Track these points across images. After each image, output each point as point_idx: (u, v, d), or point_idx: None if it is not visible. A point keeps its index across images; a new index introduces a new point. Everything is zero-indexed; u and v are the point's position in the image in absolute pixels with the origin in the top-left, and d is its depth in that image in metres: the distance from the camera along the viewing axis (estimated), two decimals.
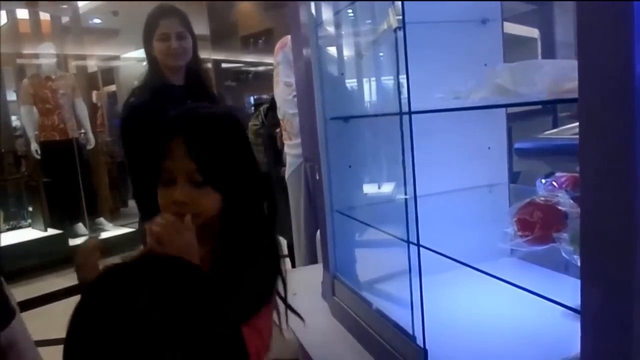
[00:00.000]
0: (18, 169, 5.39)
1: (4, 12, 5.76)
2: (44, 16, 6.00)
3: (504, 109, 1.60)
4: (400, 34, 1.02)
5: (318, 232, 2.26)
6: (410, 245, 1.11)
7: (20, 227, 4.77)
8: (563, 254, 1.04)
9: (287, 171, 2.60)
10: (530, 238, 1.13)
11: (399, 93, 1.03)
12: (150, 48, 1.95)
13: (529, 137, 3.45)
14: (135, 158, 2.19)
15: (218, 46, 7.70)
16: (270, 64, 2.85)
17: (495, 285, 1.55)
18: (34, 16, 5.95)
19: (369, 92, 1.34)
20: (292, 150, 2.55)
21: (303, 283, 1.90)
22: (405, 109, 1.03)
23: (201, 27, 7.21)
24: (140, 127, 2.18)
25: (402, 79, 1.01)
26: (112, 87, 7.60)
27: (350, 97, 1.43)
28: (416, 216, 1.06)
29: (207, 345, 0.63)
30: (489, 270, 1.41)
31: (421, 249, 1.18)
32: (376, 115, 1.26)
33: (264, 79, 7.48)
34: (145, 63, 2.26)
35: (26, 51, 5.84)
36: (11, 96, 6.16)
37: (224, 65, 8.41)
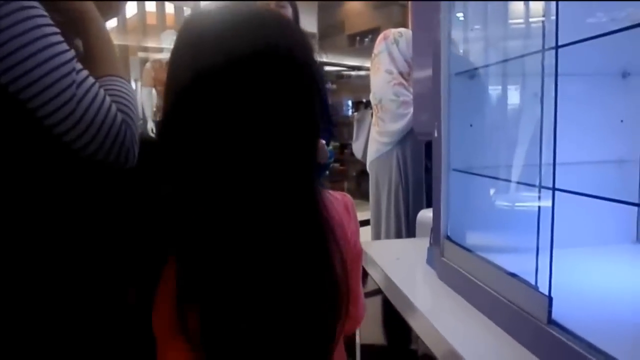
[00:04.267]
0: None
1: (134, 4, 6.31)
2: (169, 10, 6.49)
3: None
4: None
5: (420, 213, 2.22)
6: (543, 190, 1.04)
7: None
8: None
9: (372, 156, 2.72)
10: None
11: (544, 25, 0.98)
12: None
13: None
14: None
15: (324, 43, 7.86)
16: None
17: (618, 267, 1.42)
18: (161, 9, 6.44)
19: (500, 38, 1.28)
20: (382, 137, 2.65)
21: (403, 252, 1.88)
22: (550, 43, 0.97)
23: (311, 25, 7.41)
24: None
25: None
26: None
27: (477, 49, 1.38)
28: (554, 158, 0.99)
29: None
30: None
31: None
32: (511, 59, 1.20)
33: (365, 81, 7.55)
34: None
35: (150, 44, 6.34)
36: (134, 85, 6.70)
37: (327, 68, 8.58)
